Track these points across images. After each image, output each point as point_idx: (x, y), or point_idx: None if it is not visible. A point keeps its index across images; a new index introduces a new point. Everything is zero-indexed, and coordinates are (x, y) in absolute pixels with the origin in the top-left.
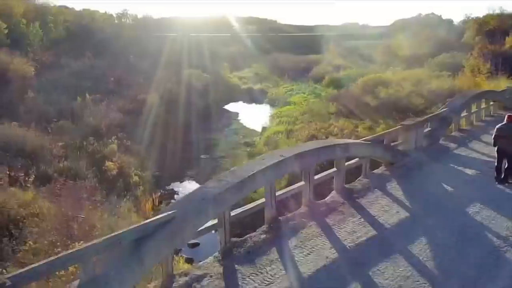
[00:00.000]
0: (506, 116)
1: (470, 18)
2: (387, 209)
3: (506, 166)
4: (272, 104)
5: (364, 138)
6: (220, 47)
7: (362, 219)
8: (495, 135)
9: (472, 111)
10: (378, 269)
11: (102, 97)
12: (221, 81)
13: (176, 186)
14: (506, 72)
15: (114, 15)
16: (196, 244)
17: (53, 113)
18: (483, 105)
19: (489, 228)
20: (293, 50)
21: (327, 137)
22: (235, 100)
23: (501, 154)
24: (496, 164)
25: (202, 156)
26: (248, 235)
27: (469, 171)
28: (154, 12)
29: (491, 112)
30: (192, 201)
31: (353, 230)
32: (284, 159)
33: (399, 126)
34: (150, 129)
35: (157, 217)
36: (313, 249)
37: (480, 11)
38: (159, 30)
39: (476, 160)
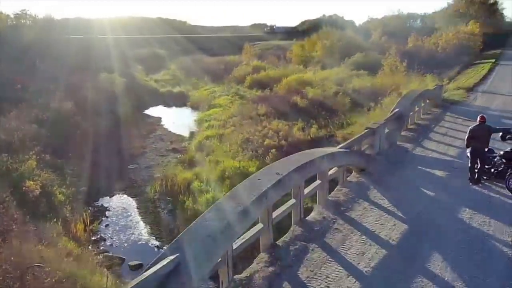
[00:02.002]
0: (478, 117)
1: (372, 19)
2: (383, 222)
3: (478, 167)
4: (196, 107)
5: (339, 146)
6: (132, 49)
7: (364, 237)
8: (468, 136)
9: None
10: None
11: (10, 107)
12: (138, 85)
13: (106, 201)
14: (421, 70)
15: (12, 16)
16: (140, 266)
17: None
18: (422, 104)
19: (491, 235)
20: (207, 52)
21: (263, 141)
22: (154, 104)
23: (474, 155)
24: (469, 165)
25: (130, 166)
26: (251, 269)
27: (438, 173)
28: (56, 13)
29: (427, 111)
30: (196, 240)
31: (361, 251)
32: (282, 177)
33: (366, 130)
34: (70, 140)
35: (158, 266)
36: (329, 279)
37: (380, 13)
38: (64, 31)
39: (438, 160)
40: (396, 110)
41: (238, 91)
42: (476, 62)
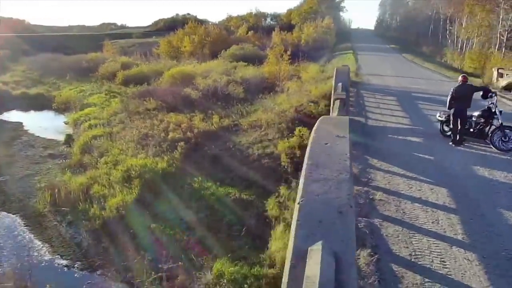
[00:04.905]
0: (460, 77)
1: (230, 17)
2: (418, 188)
3: (459, 128)
4: (64, 109)
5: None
6: None
7: (417, 204)
8: (451, 97)
9: None
10: None
11: None
12: None
13: None
14: (304, 59)
15: None
16: None
17: None
18: None
19: None
20: (61, 50)
21: (166, 135)
22: (8, 108)
23: (456, 116)
24: (452, 126)
25: (0, 178)
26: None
27: (413, 139)
28: None
29: None
30: (329, 219)
31: (433, 219)
32: (346, 138)
33: (338, 101)
34: None
35: (315, 264)
36: (436, 253)
37: (236, 11)
38: None
39: (401, 129)
40: (339, 84)
41: (111, 88)
42: (337, 53)
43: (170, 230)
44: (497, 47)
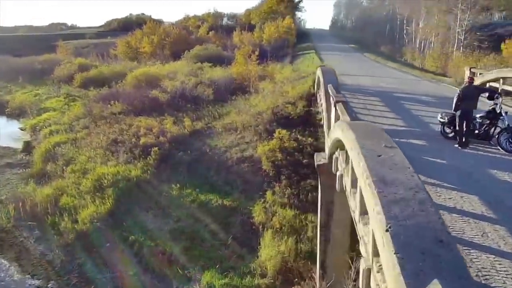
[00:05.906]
0: (466, 78)
1: (189, 17)
2: (447, 196)
3: (465, 130)
4: (17, 114)
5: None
6: None
7: (454, 215)
8: (457, 98)
9: None
10: None
11: None
12: None
13: None
14: (272, 59)
15: None
16: None
17: None
18: None
19: None
20: (6, 52)
21: (137, 140)
22: None
23: (463, 118)
24: (457, 128)
25: None
26: None
27: (415, 141)
28: None
29: None
30: (431, 252)
31: (479, 231)
32: (397, 149)
33: (340, 104)
34: None
35: None
36: (504, 272)
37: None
38: None
39: (399, 131)
40: (330, 85)
41: (70, 91)
42: (299, 53)
43: (151, 242)
44: (455, 46)
